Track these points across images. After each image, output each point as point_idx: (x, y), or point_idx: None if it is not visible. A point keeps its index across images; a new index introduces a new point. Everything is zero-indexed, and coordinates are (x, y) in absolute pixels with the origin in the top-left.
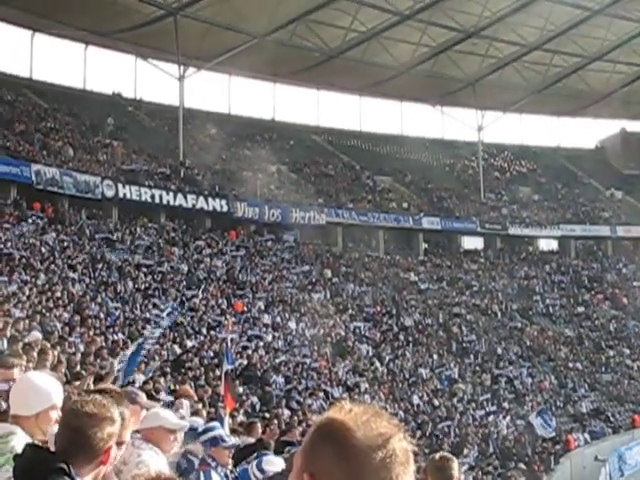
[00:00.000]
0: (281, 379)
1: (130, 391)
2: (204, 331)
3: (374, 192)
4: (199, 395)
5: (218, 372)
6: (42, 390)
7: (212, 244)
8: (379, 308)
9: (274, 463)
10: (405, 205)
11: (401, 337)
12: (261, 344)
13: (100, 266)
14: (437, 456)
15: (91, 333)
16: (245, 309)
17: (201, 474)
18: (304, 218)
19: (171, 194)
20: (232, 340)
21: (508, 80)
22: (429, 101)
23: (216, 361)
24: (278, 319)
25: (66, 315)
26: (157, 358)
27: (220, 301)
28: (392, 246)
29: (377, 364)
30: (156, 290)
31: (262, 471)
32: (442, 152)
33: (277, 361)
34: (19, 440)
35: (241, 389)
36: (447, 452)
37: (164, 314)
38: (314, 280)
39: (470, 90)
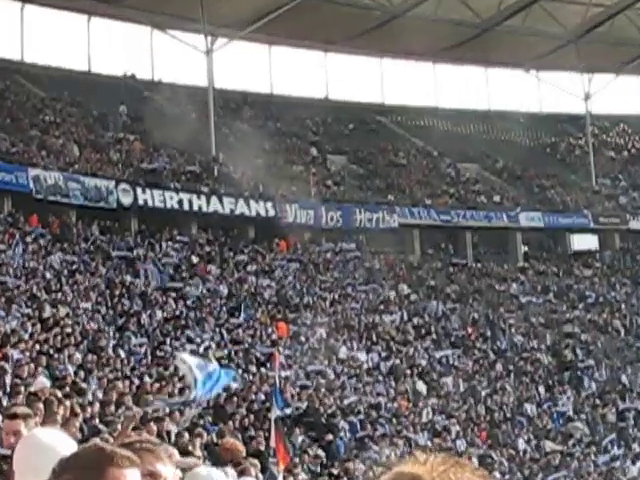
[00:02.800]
0: (351, 425)
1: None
2: (252, 368)
3: (457, 184)
4: (249, 449)
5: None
6: (51, 451)
7: (257, 258)
8: (470, 330)
9: None
10: (497, 199)
11: (499, 366)
12: (323, 382)
13: (118, 292)
14: None
15: (111, 377)
16: (291, 333)
17: None
18: (371, 221)
19: (203, 198)
20: (286, 378)
21: (620, 33)
22: (521, 65)
23: (268, 405)
24: (344, 349)
25: (79, 355)
26: (193, 405)
27: (270, 330)
28: (483, 251)
29: (471, 401)
30: (189, 319)
31: None
32: (541, 129)
33: (345, 402)
34: None
35: (301, 439)
36: None
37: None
38: (387, 298)
39: (572, 49)
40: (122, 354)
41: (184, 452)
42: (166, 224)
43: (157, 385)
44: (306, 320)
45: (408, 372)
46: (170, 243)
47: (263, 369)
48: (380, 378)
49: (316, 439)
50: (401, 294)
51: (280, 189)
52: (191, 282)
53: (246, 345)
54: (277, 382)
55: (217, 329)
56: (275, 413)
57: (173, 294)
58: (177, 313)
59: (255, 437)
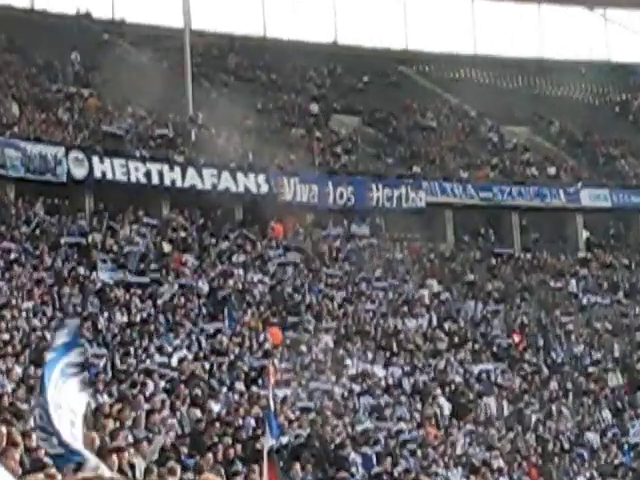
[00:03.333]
0: (364, 458)
1: None
2: (239, 386)
3: (501, 152)
4: None
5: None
6: None
7: (246, 246)
8: (517, 339)
9: None
10: (552, 171)
11: (554, 384)
12: (330, 403)
13: (69, 289)
14: None
15: None
16: (288, 342)
17: None
18: (391, 199)
19: (177, 170)
20: (283, 399)
21: None
22: (584, 2)
23: (260, 432)
24: (355, 362)
25: (19, 369)
26: (163, 431)
27: (262, 337)
28: (534, 238)
29: (518, 429)
30: (159, 324)
31: None
32: (608, 83)
33: (357, 429)
34: None
35: (301, 476)
36: None
37: None
38: (411, 298)
39: None
40: None
41: None
42: (130, 203)
43: (118, 407)
44: (308, 325)
45: (438, 391)
46: (135, 227)
47: (254, 387)
48: (402, 399)
49: (321, 477)
50: (430, 291)
51: (275, 159)
52: (162, 277)
53: (232, 357)
54: (271, 403)
55: (194, 336)
56: (268, 443)
57: (139, 292)
58: (144, 316)
59: (242, 473)
